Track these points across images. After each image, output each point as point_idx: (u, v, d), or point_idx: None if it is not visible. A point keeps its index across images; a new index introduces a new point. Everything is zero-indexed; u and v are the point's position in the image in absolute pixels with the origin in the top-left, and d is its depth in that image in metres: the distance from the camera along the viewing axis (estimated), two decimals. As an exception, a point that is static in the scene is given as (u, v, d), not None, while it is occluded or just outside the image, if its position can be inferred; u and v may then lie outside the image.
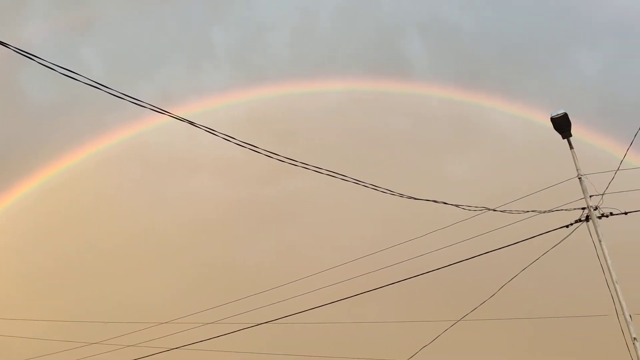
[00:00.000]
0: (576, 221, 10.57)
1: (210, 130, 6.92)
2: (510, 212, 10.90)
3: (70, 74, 6.26)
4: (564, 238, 10.76)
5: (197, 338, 14.20)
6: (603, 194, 10.44)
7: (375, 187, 8.96)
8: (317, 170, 8.02)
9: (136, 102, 6.78)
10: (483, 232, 12.92)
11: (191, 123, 7.11)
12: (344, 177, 8.41)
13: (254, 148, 7.28)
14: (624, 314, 9.00)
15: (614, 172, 10.21)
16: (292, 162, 7.73)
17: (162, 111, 6.93)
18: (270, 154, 7.46)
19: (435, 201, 10.05)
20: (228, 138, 7.20)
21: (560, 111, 10.74)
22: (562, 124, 10.72)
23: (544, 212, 11.17)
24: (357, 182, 8.52)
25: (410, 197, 9.61)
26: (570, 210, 10.78)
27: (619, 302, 9.15)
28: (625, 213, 10.42)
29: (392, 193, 9.30)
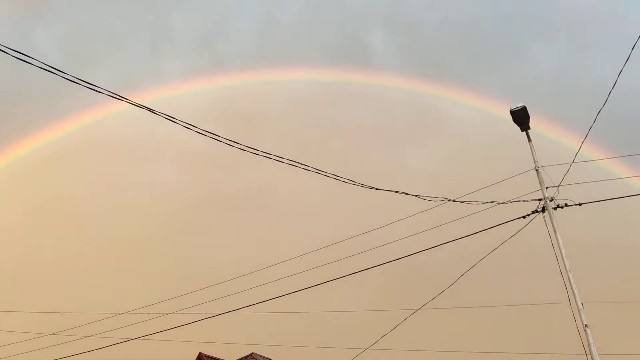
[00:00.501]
0: (533, 212, 10.81)
1: (170, 118, 6.80)
2: (470, 202, 11.08)
3: (23, 58, 6.04)
4: (521, 228, 11.00)
5: (157, 329, 14.02)
6: (559, 186, 10.70)
7: (336, 177, 8.96)
8: (279, 159, 7.96)
9: (93, 87, 6.60)
10: (443, 222, 13.12)
11: (150, 110, 6.96)
12: (305, 167, 8.38)
13: (215, 137, 7.17)
14: (576, 301, 9.28)
15: (569, 164, 10.48)
16: (254, 151, 7.66)
17: (121, 97, 6.76)
18: (231, 143, 7.36)
19: (396, 191, 10.12)
20: (188, 126, 7.08)
21: (519, 104, 10.94)
22: (521, 117, 10.92)
23: (502, 202, 11.39)
24: (319, 171, 8.51)
25: (371, 188, 9.66)
26: (527, 201, 11.02)
27: (572, 290, 9.43)
28: (580, 204, 10.72)
29: (354, 183, 9.32)
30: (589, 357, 8.83)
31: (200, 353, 20.73)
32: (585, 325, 8.98)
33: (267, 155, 7.75)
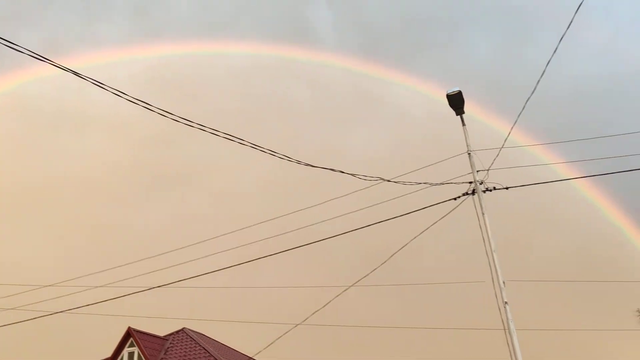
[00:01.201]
0: (463, 194, 11.17)
1: (99, 84, 6.47)
2: (404, 183, 11.30)
3: None
4: (451, 210, 11.36)
5: (85, 302, 13.62)
6: (488, 170, 11.09)
7: (273, 153, 8.88)
8: (214, 132, 7.78)
9: (16, 48, 6.20)
10: (378, 202, 13.34)
11: (76, 74, 6.61)
12: (241, 141, 8.25)
13: (147, 106, 6.91)
14: (498, 280, 9.72)
15: (499, 149, 10.86)
16: (189, 123, 7.45)
17: (46, 60, 6.37)
18: (164, 113, 7.12)
19: (332, 169, 10.17)
20: (119, 93, 6.78)
21: (455, 89, 11.19)
22: (456, 101, 11.19)
23: (435, 184, 11.70)
24: (255, 146, 8.40)
25: (307, 165, 9.65)
26: (459, 183, 11.36)
27: (495, 269, 9.86)
28: (507, 188, 11.16)
29: (290, 160, 9.28)
30: (507, 332, 9.31)
31: (129, 328, 20.35)
32: (505, 303, 9.43)
33: (202, 127, 7.57)
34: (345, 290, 12.61)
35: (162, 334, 22.28)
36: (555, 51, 9.14)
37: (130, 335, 20.34)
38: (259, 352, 15.34)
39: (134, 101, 6.75)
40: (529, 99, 10.36)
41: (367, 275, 12.58)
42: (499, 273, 9.73)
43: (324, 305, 12.54)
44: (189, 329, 22.89)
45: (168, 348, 21.11)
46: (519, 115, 10.60)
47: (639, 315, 26.36)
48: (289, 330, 13.48)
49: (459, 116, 11.57)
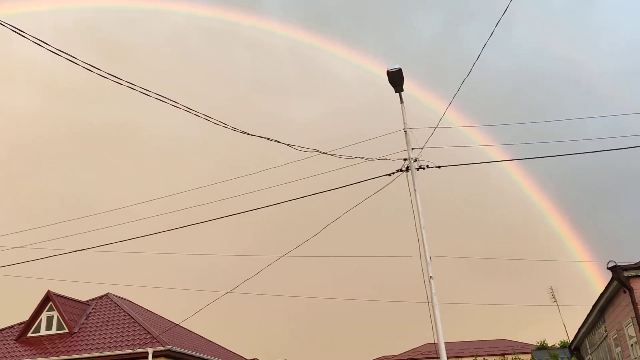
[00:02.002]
0: (397, 171, 11.33)
1: (19, 31, 5.96)
2: (340, 156, 11.31)
3: None
4: (385, 185, 11.51)
5: (1, 262, 12.96)
6: (422, 148, 11.28)
7: (208, 118, 8.61)
8: (146, 92, 7.42)
9: None
10: (313, 174, 13.33)
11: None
12: (175, 104, 7.93)
13: (72, 58, 6.46)
14: (425, 255, 9.99)
15: (434, 128, 11.05)
16: (117, 79, 7.04)
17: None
18: (90, 68, 6.68)
19: (268, 139, 10.00)
20: (39, 42, 6.28)
21: (396, 66, 11.21)
22: (396, 78, 11.22)
23: (370, 159, 11.79)
24: (188, 110, 8.09)
25: (244, 132, 9.43)
26: (394, 160, 11.50)
27: (423, 245, 10.13)
28: (439, 167, 11.42)
29: (226, 126, 9.03)
30: (430, 305, 9.63)
31: (48, 291, 19.58)
32: (431, 277, 9.73)
33: (131, 85, 7.18)
34: (276, 260, 12.60)
35: (85, 299, 21.63)
36: (490, 35, 9.30)
37: (49, 299, 19.60)
38: (186, 319, 15.19)
39: (56, 52, 6.29)
40: (464, 80, 10.55)
41: (299, 246, 12.61)
42: (427, 249, 10.00)
43: (255, 275, 12.49)
44: (114, 295, 22.32)
45: (90, 313, 20.52)
46: (454, 96, 10.79)
47: (552, 291, 28.14)
48: (218, 299, 13.37)
49: (397, 93, 11.64)
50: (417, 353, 67.32)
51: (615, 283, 13.31)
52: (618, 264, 12.78)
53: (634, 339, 13.12)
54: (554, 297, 27.81)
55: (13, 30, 5.85)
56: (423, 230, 10.29)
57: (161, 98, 7.53)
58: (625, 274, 12.68)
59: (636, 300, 12.40)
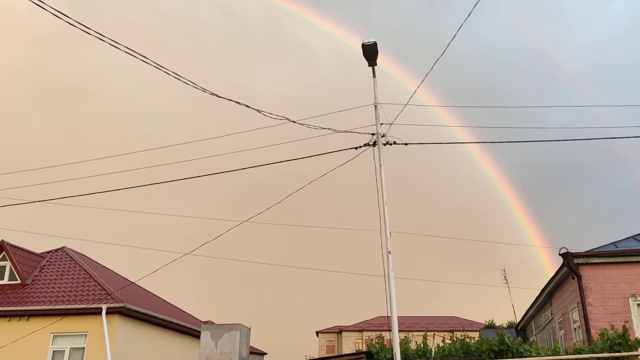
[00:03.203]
0: (364, 144, 11.37)
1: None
2: (309, 126, 11.27)
3: None
4: (351, 159, 11.57)
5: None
6: (391, 124, 11.33)
7: (178, 77, 8.40)
8: (114, 44, 7.17)
9: None
10: (281, 141, 13.27)
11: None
12: (144, 59, 7.70)
13: (38, 2, 6.16)
14: (386, 230, 10.14)
15: (404, 105, 11.09)
16: (86, 29, 6.78)
17: None
18: (59, 14, 6.41)
19: (238, 102, 9.84)
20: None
21: (371, 39, 11.14)
22: (370, 52, 11.16)
23: (338, 131, 11.80)
24: (158, 66, 7.86)
25: (213, 94, 9.27)
26: (362, 134, 11.52)
27: (384, 220, 10.26)
28: (406, 144, 11.52)
29: (195, 86, 8.84)
30: (386, 279, 9.81)
31: (2, 241, 19.15)
32: (389, 252, 9.90)
33: (101, 36, 6.93)
34: (237, 225, 12.58)
35: (40, 251, 21.24)
36: (468, 16, 9.32)
37: (2, 248, 19.17)
38: (143, 277, 15.11)
39: (24, -6, 5.99)
40: (437, 60, 10.58)
41: (262, 212, 12.62)
42: (387, 224, 10.13)
43: (214, 238, 12.47)
44: (70, 249, 21.98)
45: (44, 265, 20.19)
46: (426, 74, 10.83)
47: (504, 274, 29.06)
48: (176, 260, 13.31)
49: (370, 67, 11.60)
50: (369, 325, 69.00)
51: (565, 269, 13.81)
52: (569, 251, 13.24)
53: (577, 324, 13.72)
54: (506, 279, 28.74)
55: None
56: (385, 206, 10.42)
57: (130, 52, 7.29)
58: (576, 261, 13.15)
59: (583, 286, 12.91)
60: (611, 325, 11.18)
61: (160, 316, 18.79)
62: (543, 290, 16.93)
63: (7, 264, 19.17)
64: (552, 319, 17.22)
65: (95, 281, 18.49)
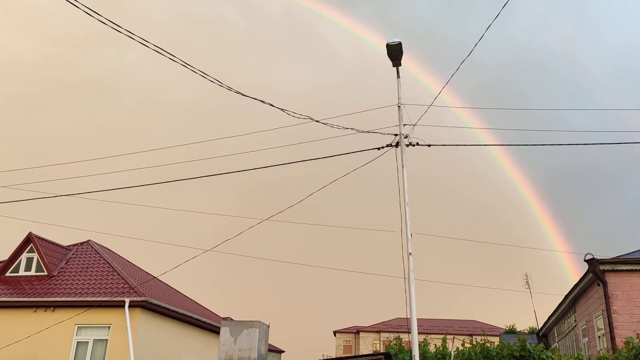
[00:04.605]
0: (387, 145, 11.34)
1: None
2: (332, 126, 11.29)
3: None
4: (374, 159, 11.55)
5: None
6: (414, 125, 11.28)
7: (204, 75, 8.50)
8: (144, 43, 7.30)
9: None
10: (305, 141, 13.31)
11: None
12: (172, 57, 7.80)
13: (74, 2, 6.30)
14: (407, 232, 10.10)
15: (428, 106, 11.03)
16: (117, 27, 6.91)
17: None
18: (93, 13, 6.54)
19: (262, 101, 9.91)
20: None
21: (396, 39, 11.11)
22: (395, 52, 11.12)
23: (362, 131, 11.79)
24: (185, 64, 7.98)
25: (238, 92, 9.34)
26: (385, 134, 11.50)
27: (405, 221, 10.23)
28: (429, 145, 11.45)
29: (221, 85, 8.92)
30: (407, 281, 9.78)
31: (30, 233, 19.58)
32: (410, 254, 9.86)
33: (131, 34, 7.06)
34: (259, 222, 12.68)
35: (66, 244, 21.65)
36: (495, 18, 9.22)
37: (30, 240, 19.61)
38: (165, 272, 15.31)
39: (56, -8, 6.13)
40: (463, 61, 10.49)
41: (283, 211, 12.69)
42: (408, 225, 10.09)
43: (236, 235, 12.58)
44: (95, 242, 22.36)
45: (70, 258, 20.58)
46: (451, 76, 10.75)
47: (526, 278, 28.68)
48: (197, 255, 13.48)
49: (395, 67, 11.56)
50: (387, 326, 68.78)
51: (590, 275, 13.59)
52: (595, 257, 13.02)
53: (602, 331, 13.49)
54: (528, 284, 28.39)
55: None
56: (407, 207, 10.38)
57: (159, 50, 7.41)
58: (601, 267, 12.93)
59: (609, 293, 12.69)
60: (637, 334, 10.97)
61: (181, 311, 19.01)
62: (567, 296, 16.68)
63: (35, 255, 19.59)
64: (576, 325, 16.95)
65: (119, 275, 18.78)
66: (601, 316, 13.37)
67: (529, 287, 28.07)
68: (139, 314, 16.90)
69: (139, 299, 16.75)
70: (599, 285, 13.16)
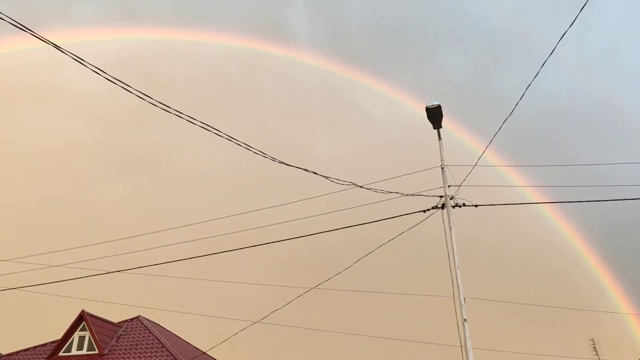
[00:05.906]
0: (433, 207, 11.22)
1: (78, 59, 6.28)
2: (375, 190, 11.29)
3: None
4: (420, 222, 11.40)
5: (38, 280, 13.24)
6: (460, 186, 11.17)
7: (248, 147, 8.75)
8: (191, 120, 7.64)
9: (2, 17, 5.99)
10: (349, 207, 13.31)
11: (57, 47, 6.42)
12: (217, 132, 8.11)
13: (126, 86, 6.72)
14: (459, 296, 9.77)
15: (472, 167, 10.94)
16: (165, 107, 7.28)
17: (28, 30, 6.15)
18: (143, 96, 6.94)
19: (306, 170, 10.07)
20: (98, 71, 6.59)
21: (435, 102, 11.25)
22: (434, 115, 11.24)
23: (406, 195, 11.73)
24: (230, 138, 8.26)
25: (282, 162, 9.54)
26: (429, 196, 11.40)
27: (457, 285, 9.91)
28: (476, 206, 11.26)
29: (265, 156, 9.16)
30: (463, 349, 9.36)
31: (82, 311, 19.87)
32: (465, 320, 9.48)
33: (179, 114, 7.41)
34: (307, 291, 12.54)
35: (116, 320, 21.85)
36: (538, 72, 9.24)
37: (82, 318, 19.88)
38: (213, 347, 15.15)
39: (112, 79, 6.58)
40: (505, 120, 10.47)
41: (330, 278, 12.53)
42: (461, 289, 9.78)
43: (284, 305, 12.45)
44: (144, 318, 22.48)
45: (121, 335, 20.69)
46: (494, 135, 10.70)
47: (593, 344, 26.92)
48: (246, 328, 13.34)
49: (435, 130, 11.63)
50: (446, 398, 65.18)
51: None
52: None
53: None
54: (595, 350, 26.65)
55: (73, 58, 6.16)
56: (457, 270, 10.10)
57: (205, 126, 7.74)
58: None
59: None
60: None
61: (231, 387, 18.62)
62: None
63: (87, 334, 19.79)
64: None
65: (168, 351, 18.70)
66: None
67: (596, 353, 26.34)
68: (188, 391, 16.66)
69: (189, 375, 16.56)
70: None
